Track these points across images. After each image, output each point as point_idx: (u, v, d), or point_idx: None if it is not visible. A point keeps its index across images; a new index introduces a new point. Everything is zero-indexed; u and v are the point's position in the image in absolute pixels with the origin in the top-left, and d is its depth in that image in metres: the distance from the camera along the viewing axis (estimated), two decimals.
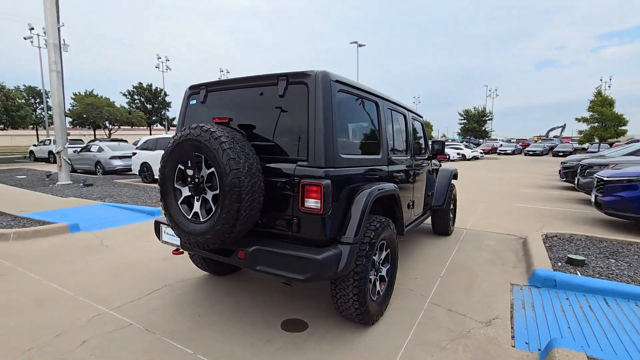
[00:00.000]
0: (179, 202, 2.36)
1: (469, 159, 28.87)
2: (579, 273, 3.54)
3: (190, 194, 2.30)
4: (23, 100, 26.52)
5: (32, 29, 27.12)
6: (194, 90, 2.83)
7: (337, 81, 2.31)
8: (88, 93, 32.17)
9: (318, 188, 2.07)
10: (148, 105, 35.60)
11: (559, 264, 3.87)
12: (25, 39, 26.63)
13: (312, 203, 2.11)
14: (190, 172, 2.25)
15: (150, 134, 34.42)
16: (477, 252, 4.44)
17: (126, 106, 34.01)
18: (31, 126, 31.83)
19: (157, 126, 38.54)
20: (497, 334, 2.51)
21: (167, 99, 36.61)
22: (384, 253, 2.75)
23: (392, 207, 2.94)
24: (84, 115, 28.96)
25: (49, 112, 29.47)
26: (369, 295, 2.45)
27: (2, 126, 22.94)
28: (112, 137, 30.40)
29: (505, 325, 2.64)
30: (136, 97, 35.20)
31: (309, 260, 2.04)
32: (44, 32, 28.84)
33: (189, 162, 2.24)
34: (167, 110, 36.72)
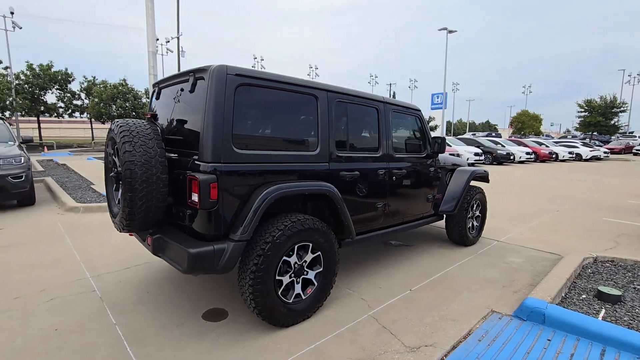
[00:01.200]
0: (113, 189, 2.66)
1: (585, 159, 24.10)
2: (603, 312, 2.74)
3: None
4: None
5: (157, 39, 32.55)
6: (154, 86, 3.11)
7: (238, 75, 2.26)
8: None
9: (197, 182, 2.09)
10: None
11: (583, 296, 3.06)
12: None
13: (194, 197, 2.14)
14: (114, 162, 2.51)
15: None
16: (485, 268, 3.78)
17: None
18: None
19: None
20: None
21: None
22: (310, 255, 2.60)
23: (334, 208, 2.75)
24: None
25: None
26: (274, 296, 2.37)
27: None
28: None
29: (434, 355, 2.23)
30: None
31: (184, 252, 2.09)
32: (166, 42, 34.39)
33: (113, 153, 2.50)
34: None
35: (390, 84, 58.08)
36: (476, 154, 17.10)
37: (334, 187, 2.73)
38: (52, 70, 27.40)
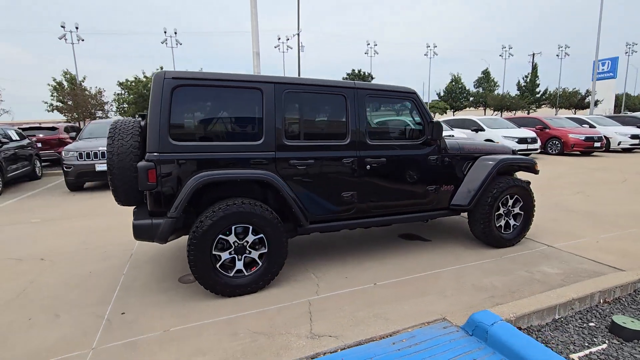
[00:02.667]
0: None
1: None
2: (598, 348, 2.14)
3: None
4: None
5: (279, 38, 35.95)
6: None
7: (175, 78, 2.64)
8: None
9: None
10: None
11: (591, 323, 2.40)
12: (275, 47, 35.81)
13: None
14: None
15: None
16: (489, 275, 3.23)
17: None
18: None
19: None
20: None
21: (374, 82, 39.51)
22: (251, 237, 2.84)
23: (278, 194, 2.90)
24: None
25: None
26: (209, 268, 2.71)
27: None
28: None
29: (329, 345, 2.20)
30: None
31: (132, 223, 2.65)
32: (287, 39, 37.59)
33: None
34: None
35: (533, 54, 48.89)
36: (524, 141, 11.94)
37: (277, 174, 2.88)
38: None
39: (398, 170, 3.42)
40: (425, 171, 3.55)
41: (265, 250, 2.89)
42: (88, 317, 2.62)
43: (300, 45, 36.79)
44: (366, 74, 38.87)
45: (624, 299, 2.72)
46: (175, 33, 31.20)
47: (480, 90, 44.63)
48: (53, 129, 12.75)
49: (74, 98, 26.19)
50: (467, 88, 44.04)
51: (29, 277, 3.37)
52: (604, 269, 3.30)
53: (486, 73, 45.02)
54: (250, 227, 2.82)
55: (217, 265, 2.78)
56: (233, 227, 2.77)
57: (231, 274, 2.83)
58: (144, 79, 26.66)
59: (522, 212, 3.95)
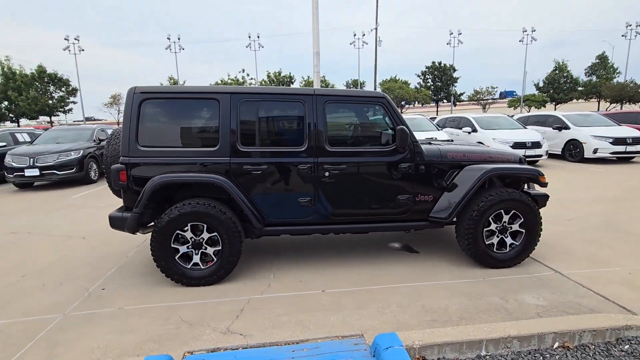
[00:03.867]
0: None
1: None
2: None
3: None
4: None
5: (355, 34, 35.85)
6: None
7: (143, 92, 3.04)
8: (392, 78, 38.62)
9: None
10: (438, 83, 37.42)
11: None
12: (350, 43, 35.86)
13: None
14: None
15: (437, 112, 36.43)
16: (456, 297, 2.95)
17: (417, 86, 37.71)
18: None
19: (444, 102, 39.81)
20: None
21: (456, 74, 36.63)
22: (206, 234, 3.13)
23: (230, 196, 3.12)
24: None
25: None
26: (169, 259, 3.08)
27: None
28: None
29: (235, 342, 2.35)
30: (428, 76, 37.95)
31: (108, 214, 3.17)
32: (362, 35, 37.25)
33: None
34: (454, 86, 36.83)
35: None
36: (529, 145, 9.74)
37: (231, 178, 3.10)
38: (281, 75, 35.89)
39: (362, 177, 3.32)
40: (396, 179, 3.37)
41: (219, 248, 3.15)
42: (79, 289, 3.23)
43: (378, 39, 36.15)
44: (447, 65, 36.30)
45: (590, 347, 2.23)
46: (258, 37, 33.73)
47: (594, 79, 37.73)
48: None
49: None
50: (575, 77, 37.71)
51: (65, 251, 4.24)
52: (610, 307, 2.72)
53: (602, 58, 37.82)
54: (205, 226, 3.10)
55: (176, 257, 3.13)
56: (189, 225, 3.09)
57: (188, 266, 3.16)
58: (230, 81, 29.60)
59: (524, 230, 3.44)
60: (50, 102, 31.28)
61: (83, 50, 31.04)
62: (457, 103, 38.97)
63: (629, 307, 2.71)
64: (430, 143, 3.73)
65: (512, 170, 3.43)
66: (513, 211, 3.39)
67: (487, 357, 2.16)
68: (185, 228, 3.10)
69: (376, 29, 35.56)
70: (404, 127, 3.18)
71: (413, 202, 3.42)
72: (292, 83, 36.66)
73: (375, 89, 34.51)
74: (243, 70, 33.26)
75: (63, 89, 32.18)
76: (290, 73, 36.15)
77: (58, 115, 34.17)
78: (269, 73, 35.59)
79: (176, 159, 3.12)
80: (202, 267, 3.18)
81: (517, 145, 10.06)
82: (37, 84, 30.68)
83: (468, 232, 3.34)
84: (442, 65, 36.50)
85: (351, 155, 3.29)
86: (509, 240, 3.48)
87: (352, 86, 37.98)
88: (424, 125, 11.59)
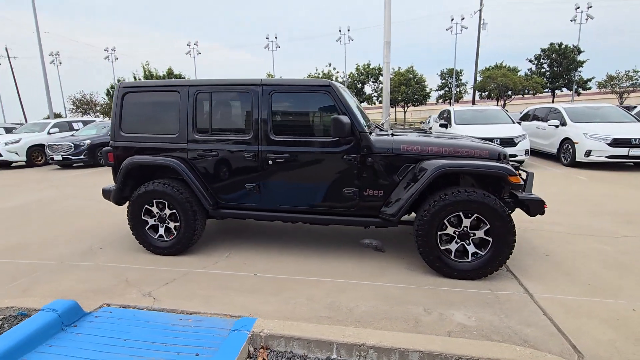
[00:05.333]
0: None
1: None
2: None
3: None
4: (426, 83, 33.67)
5: (452, 19, 32.84)
6: None
7: (124, 87, 3.58)
8: (497, 65, 34.30)
9: None
10: (556, 68, 31.52)
11: None
12: (446, 29, 32.98)
13: None
14: None
15: (553, 102, 31.05)
16: (371, 300, 2.74)
17: (529, 73, 32.48)
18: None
19: (562, 91, 33.31)
20: None
21: (581, 57, 30.17)
22: (168, 211, 3.56)
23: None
24: (486, 88, 31.68)
25: (457, 88, 35.12)
26: (140, 230, 3.61)
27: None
28: (506, 106, 31.06)
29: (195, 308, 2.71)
30: (543, 60, 32.25)
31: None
32: (461, 19, 33.80)
33: None
34: (579, 71, 30.39)
35: None
36: None
37: (186, 163, 3.45)
38: (370, 67, 35.44)
39: (305, 167, 3.28)
40: (341, 171, 3.22)
41: (178, 224, 3.55)
42: (88, 246, 4.04)
43: (482, 22, 32.51)
44: (569, 47, 30.26)
45: None
46: (348, 30, 33.93)
47: None
48: None
49: None
50: None
51: (102, 218, 5.26)
52: (555, 344, 2.18)
53: None
54: (166, 203, 3.54)
55: (146, 228, 3.66)
56: (154, 201, 3.57)
57: (155, 237, 3.66)
58: (316, 76, 30.65)
59: (492, 239, 2.92)
60: None
61: (200, 53, 36.28)
62: (582, 91, 32.20)
63: (582, 349, 2.11)
64: (393, 135, 3.41)
65: (468, 167, 2.91)
66: (476, 215, 2.91)
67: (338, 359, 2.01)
68: (151, 204, 3.59)
69: (480, 10, 32.00)
70: (344, 116, 3.01)
71: (360, 197, 3.23)
72: (382, 75, 35.74)
73: (475, 77, 31.27)
74: (330, 64, 34.04)
75: None
76: (379, 65, 35.32)
77: None
78: (358, 66, 35.53)
79: (148, 144, 3.61)
80: (165, 239, 3.64)
81: (617, 142, 8.11)
82: None
83: (418, 234, 3.00)
84: (563, 46, 30.59)
85: (294, 145, 3.28)
86: (471, 249, 3.00)
87: (446, 76, 35.11)
88: (496, 118, 10.17)
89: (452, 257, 3.02)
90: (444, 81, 35.50)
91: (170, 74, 37.10)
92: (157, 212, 3.61)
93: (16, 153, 12.05)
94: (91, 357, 2.11)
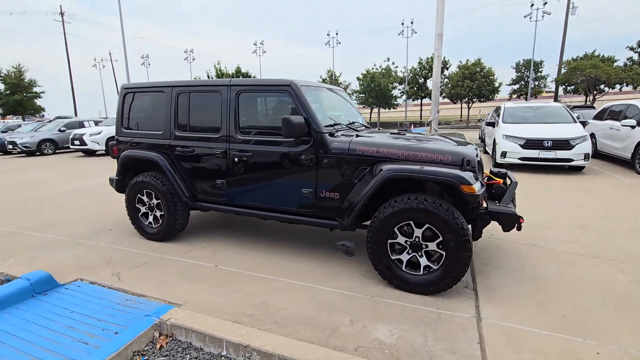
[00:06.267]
0: None
1: None
2: None
3: None
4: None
5: (532, 5, 29.22)
6: None
7: (125, 87, 3.99)
8: (587, 55, 29.89)
9: None
10: None
11: None
12: (525, 16, 29.48)
13: None
14: None
15: None
16: (299, 304, 2.70)
17: (629, 63, 27.48)
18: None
19: None
20: None
21: None
22: (155, 201, 3.91)
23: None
24: (572, 81, 27.81)
25: (535, 82, 31.38)
26: (135, 217, 4.05)
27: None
28: (595, 102, 26.87)
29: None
30: None
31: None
32: (544, 4, 29.94)
33: None
34: None
35: None
36: None
37: (168, 157, 3.74)
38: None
39: (266, 166, 3.32)
40: (299, 171, 3.19)
41: (162, 213, 3.88)
42: (102, 227, 4.62)
43: (572, 6, 28.58)
44: None
45: None
46: (412, 23, 32.41)
47: None
48: None
49: None
50: None
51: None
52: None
53: None
54: (153, 193, 3.89)
55: (139, 215, 4.07)
56: (144, 191, 3.95)
57: (146, 223, 4.05)
58: (374, 71, 29.97)
59: (445, 254, 2.66)
60: None
61: (265, 52, 38.07)
62: None
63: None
64: (358, 136, 3.25)
65: (416, 173, 2.65)
66: (427, 226, 2.67)
67: (225, 358, 2.05)
68: (142, 194, 3.97)
69: None
70: (297, 116, 2.98)
71: (317, 198, 3.17)
72: (447, 69, 33.65)
73: (559, 69, 27.71)
74: (388, 59, 32.85)
75: None
76: (445, 58, 33.17)
77: None
78: (421, 59, 33.80)
79: (143, 140, 3.99)
80: (153, 225, 4.00)
81: (531, 143, 7.68)
82: None
83: (368, 241, 2.86)
84: None
85: (257, 144, 3.34)
86: (423, 261, 2.76)
87: (523, 68, 31.46)
88: (553, 116, 8.92)
89: (404, 268, 2.82)
90: (519, 74, 31.94)
91: (238, 72, 39.61)
92: (147, 201, 3.98)
93: (98, 143, 14.10)
94: (38, 321, 2.46)
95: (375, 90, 29.34)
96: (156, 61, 75.74)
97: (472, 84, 28.08)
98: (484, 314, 2.51)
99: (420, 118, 36.32)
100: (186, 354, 2.09)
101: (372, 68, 30.86)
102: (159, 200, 3.86)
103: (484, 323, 2.41)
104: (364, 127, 3.99)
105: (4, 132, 17.29)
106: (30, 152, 14.51)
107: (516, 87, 32.88)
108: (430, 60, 33.32)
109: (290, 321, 2.47)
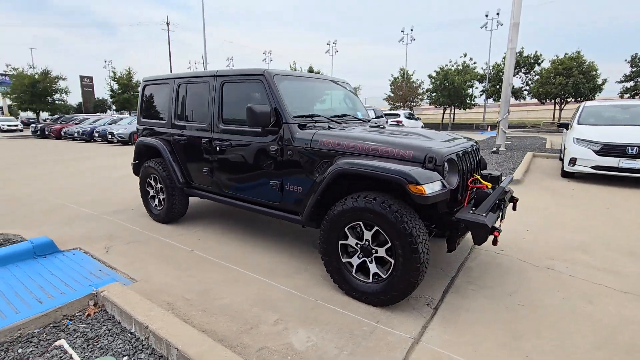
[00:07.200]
0: None
1: None
2: None
3: None
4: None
5: None
6: None
7: (145, 80, 4.37)
8: None
9: None
10: None
11: None
12: None
13: None
14: None
15: None
16: (243, 297, 2.63)
17: None
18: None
19: None
20: None
21: None
22: (159, 185, 4.22)
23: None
24: None
25: None
26: (146, 197, 4.45)
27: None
28: None
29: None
30: None
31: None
32: None
33: None
34: None
35: None
36: None
37: (168, 144, 4.01)
38: (523, 54, 29.81)
39: (240, 156, 3.31)
40: (266, 163, 3.12)
41: (164, 196, 4.18)
42: (128, 207, 5.17)
43: None
44: None
45: None
46: (498, 14, 29.25)
47: None
48: (397, 115, 18.52)
49: (404, 90, 31.97)
50: None
51: None
52: None
53: None
54: (157, 178, 4.21)
55: (148, 197, 4.44)
56: (152, 176, 4.30)
57: (153, 205, 4.40)
58: (448, 68, 27.83)
59: (392, 260, 2.34)
60: None
61: (337, 51, 38.40)
62: None
63: None
64: (329, 127, 3.04)
65: (363, 169, 2.34)
66: (376, 228, 2.38)
67: (131, 334, 2.10)
68: (150, 178, 4.33)
69: None
70: (261, 105, 2.89)
71: (282, 191, 3.07)
72: (539, 64, 29.57)
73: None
74: (465, 55, 29.93)
75: None
76: (536, 52, 29.22)
77: None
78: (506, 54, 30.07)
79: (152, 128, 4.34)
80: (158, 208, 4.34)
81: (608, 149, 6.08)
82: None
83: (319, 239, 2.68)
84: None
85: (234, 134, 3.36)
86: (372, 268, 2.47)
87: (638, 61, 25.93)
88: None
89: (354, 273, 2.56)
90: (635, 69, 26.48)
91: (310, 71, 40.71)
92: (154, 185, 4.33)
93: None
94: (22, 278, 2.85)
95: (449, 88, 27.27)
96: (239, 63, 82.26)
97: (566, 80, 24.17)
98: (426, 337, 2.14)
99: None
100: (104, 325, 2.21)
101: (446, 65, 28.73)
102: (162, 185, 4.17)
103: (419, 347, 2.06)
104: (361, 122, 3.74)
105: (110, 124, 20.56)
106: (124, 141, 16.92)
107: (629, 84, 27.42)
108: (518, 55, 29.78)
109: (218, 311, 2.43)
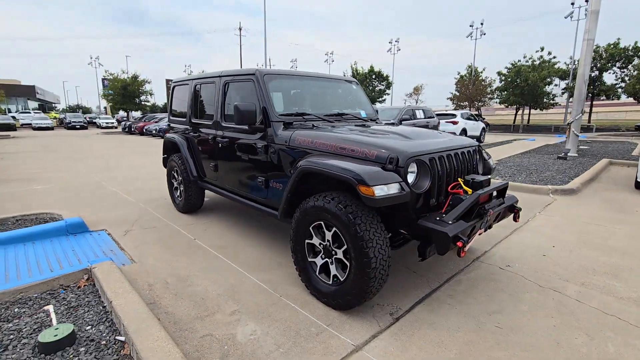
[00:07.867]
0: None
1: None
2: None
3: None
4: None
5: None
6: None
7: (173, 82, 4.78)
8: None
9: None
10: None
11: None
12: None
13: None
14: None
15: None
16: (214, 288, 2.77)
17: None
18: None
19: None
20: None
21: None
22: (180, 178, 4.60)
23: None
24: None
25: None
26: (171, 189, 4.88)
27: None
28: None
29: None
30: None
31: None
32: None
33: None
34: None
35: None
36: None
37: (186, 140, 4.35)
38: (619, 47, 25.76)
39: (236, 153, 3.46)
40: (255, 160, 3.22)
41: (182, 188, 4.55)
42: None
43: None
44: None
45: None
46: (586, 1, 25.52)
47: None
48: (453, 115, 17.25)
49: (473, 88, 29.86)
50: None
51: None
52: None
53: None
54: (179, 171, 4.60)
55: (173, 189, 4.87)
56: (175, 168, 4.70)
57: (176, 196, 4.81)
58: (521, 64, 25.19)
59: (355, 263, 2.27)
60: (372, 94, 40.48)
61: (399, 49, 37.31)
62: None
63: None
64: (313, 126, 3.01)
65: (320, 168, 2.28)
66: (334, 229, 2.33)
67: (102, 306, 2.35)
68: (174, 170, 4.74)
69: None
70: (247, 104, 2.99)
71: (267, 188, 3.14)
72: (638, 57, 25.11)
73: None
74: (542, 49, 26.40)
75: (383, 83, 40.41)
76: (636, 43, 24.75)
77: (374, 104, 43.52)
78: (598, 47, 26.20)
79: (176, 125, 4.75)
80: (179, 199, 4.73)
81: None
82: (367, 80, 40.50)
83: (290, 237, 2.70)
84: None
85: (232, 131, 3.52)
86: (332, 269, 2.42)
87: None
88: None
89: (317, 273, 2.53)
90: None
91: (371, 71, 40.19)
92: (177, 178, 4.73)
93: None
94: (51, 251, 3.36)
95: (521, 86, 24.61)
96: (302, 64, 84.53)
97: None
98: (369, 347, 2.04)
99: (589, 121, 28.61)
100: (87, 297, 2.51)
101: (519, 60, 25.96)
102: (181, 178, 4.54)
103: (357, 355, 1.97)
104: (362, 120, 3.65)
105: (157, 121, 22.75)
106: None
107: None
108: (611, 47, 25.83)
109: (187, 296, 2.60)
